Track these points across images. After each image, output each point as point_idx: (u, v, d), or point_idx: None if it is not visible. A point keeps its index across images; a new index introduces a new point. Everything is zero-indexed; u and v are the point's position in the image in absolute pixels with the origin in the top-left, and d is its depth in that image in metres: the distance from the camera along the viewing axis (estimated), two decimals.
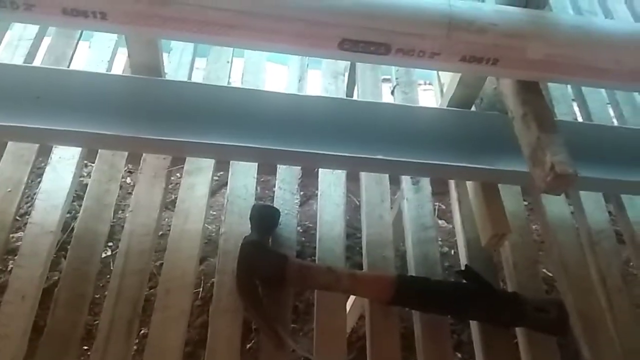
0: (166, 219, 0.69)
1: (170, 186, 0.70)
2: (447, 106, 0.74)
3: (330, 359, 0.60)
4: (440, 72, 0.84)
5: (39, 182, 0.67)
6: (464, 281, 0.65)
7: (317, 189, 0.73)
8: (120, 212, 0.68)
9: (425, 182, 0.76)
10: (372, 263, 0.68)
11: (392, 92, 0.86)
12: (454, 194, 0.76)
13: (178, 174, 0.73)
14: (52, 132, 0.63)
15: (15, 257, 0.61)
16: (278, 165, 0.74)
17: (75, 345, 0.57)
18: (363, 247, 0.70)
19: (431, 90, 1.11)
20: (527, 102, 0.57)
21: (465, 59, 0.53)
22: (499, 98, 0.72)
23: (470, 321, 0.66)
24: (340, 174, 0.75)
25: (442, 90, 0.84)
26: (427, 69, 0.58)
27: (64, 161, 0.69)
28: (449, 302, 0.62)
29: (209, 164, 0.72)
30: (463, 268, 0.68)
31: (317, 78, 0.87)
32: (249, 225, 0.67)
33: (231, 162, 0.73)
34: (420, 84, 0.90)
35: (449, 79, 0.79)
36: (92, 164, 0.70)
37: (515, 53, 0.52)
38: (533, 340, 0.64)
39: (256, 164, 0.73)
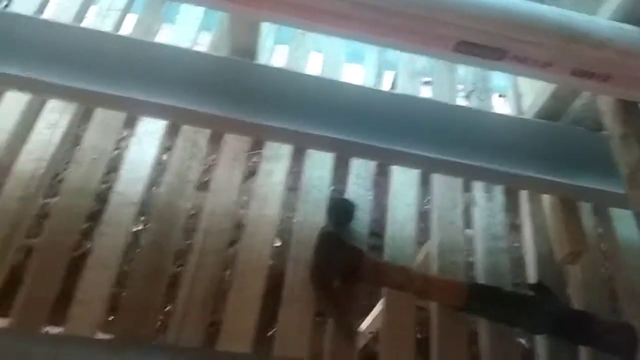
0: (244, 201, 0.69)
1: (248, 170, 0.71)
2: (533, 117, 0.73)
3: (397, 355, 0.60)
4: (519, 82, 0.83)
5: (122, 153, 0.68)
6: (534, 295, 0.64)
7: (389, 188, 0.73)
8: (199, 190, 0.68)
9: (498, 193, 0.76)
10: (442, 268, 0.68)
11: (467, 97, 0.85)
12: (525, 206, 0.76)
13: (255, 159, 0.73)
14: (140, 102, 0.64)
15: (98, 226, 0.62)
16: (353, 161, 0.74)
17: (153, 318, 0.58)
18: (432, 251, 0.70)
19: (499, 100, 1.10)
20: (628, 122, 0.57)
21: (576, 72, 0.52)
22: (588, 114, 0.71)
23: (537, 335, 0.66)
24: (413, 176, 0.74)
25: (518, 101, 0.83)
26: (534, 78, 0.57)
27: (149, 135, 0.70)
28: (520, 314, 0.62)
29: (286, 152, 0.72)
30: (534, 282, 0.67)
31: (393, 78, 0.86)
32: (323, 216, 0.67)
33: (307, 153, 0.73)
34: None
35: (531, 89, 0.79)
36: (174, 141, 0.71)
37: (629, 71, 0.52)
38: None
39: (331, 156, 0.73)
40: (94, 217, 0.66)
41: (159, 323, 0.62)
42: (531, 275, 0.70)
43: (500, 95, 1.31)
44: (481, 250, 0.70)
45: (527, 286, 0.66)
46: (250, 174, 0.71)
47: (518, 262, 0.75)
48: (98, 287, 0.58)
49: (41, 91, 0.66)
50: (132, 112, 0.69)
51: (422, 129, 0.71)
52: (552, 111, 0.71)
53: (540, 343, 0.65)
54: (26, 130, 0.66)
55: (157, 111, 0.66)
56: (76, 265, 0.60)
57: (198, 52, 0.71)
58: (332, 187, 0.71)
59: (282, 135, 0.69)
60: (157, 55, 0.68)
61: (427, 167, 0.73)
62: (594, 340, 0.62)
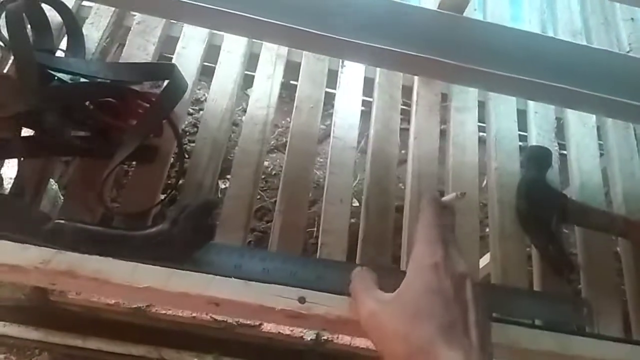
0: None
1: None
2: None
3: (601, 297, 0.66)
4: None
5: (332, 103, 0.74)
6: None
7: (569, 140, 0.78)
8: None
9: None
10: (628, 214, 0.72)
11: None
12: None
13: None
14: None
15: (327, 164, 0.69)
16: (532, 114, 0.79)
17: (390, 247, 0.64)
18: (616, 199, 0.75)
19: None
20: None
21: None
22: None
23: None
24: (592, 128, 0.79)
25: None
26: None
27: (351, 86, 0.75)
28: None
29: (474, 103, 0.77)
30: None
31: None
32: (518, 164, 0.72)
33: (491, 105, 0.78)
34: None
35: None
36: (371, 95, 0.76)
37: None
38: None
39: (515, 109, 0.78)
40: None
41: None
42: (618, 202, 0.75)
43: None
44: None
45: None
46: (443, 124, 0.76)
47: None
48: (339, 219, 0.64)
49: None
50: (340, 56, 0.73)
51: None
52: None
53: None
54: (248, 81, 0.73)
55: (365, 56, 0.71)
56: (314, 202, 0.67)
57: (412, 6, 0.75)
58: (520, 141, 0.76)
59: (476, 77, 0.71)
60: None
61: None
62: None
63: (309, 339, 1.30)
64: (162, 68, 0.64)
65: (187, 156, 0.65)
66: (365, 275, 0.49)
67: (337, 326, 0.53)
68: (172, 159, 0.65)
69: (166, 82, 0.61)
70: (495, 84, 0.67)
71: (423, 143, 0.73)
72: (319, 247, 0.62)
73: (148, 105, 0.62)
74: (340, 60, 0.77)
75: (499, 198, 0.70)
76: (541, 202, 0.67)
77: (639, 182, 0.75)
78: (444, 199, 0.50)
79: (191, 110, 1.32)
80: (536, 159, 0.71)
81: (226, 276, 0.52)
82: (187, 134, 0.94)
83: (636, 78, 0.65)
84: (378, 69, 0.78)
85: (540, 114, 0.79)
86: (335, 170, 0.68)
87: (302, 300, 0.53)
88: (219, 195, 1.11)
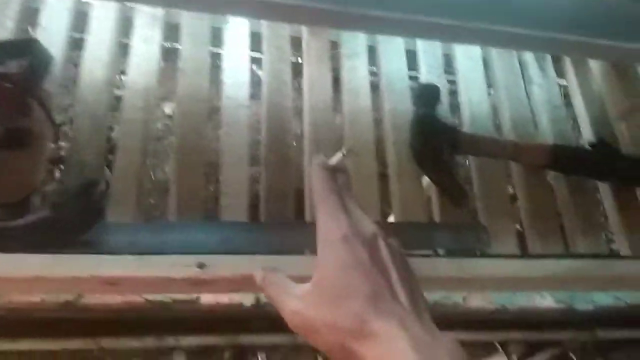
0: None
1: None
2: None
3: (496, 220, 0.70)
4: None
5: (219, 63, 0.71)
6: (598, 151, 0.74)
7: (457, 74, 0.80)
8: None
9: (549, 67, 0.84)
10: (519, 136, 0.76)
11: None
12: (572, 76, 0.85)
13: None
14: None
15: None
16: (420, 52, 0.80)
17: (292, 201, 0.64)
18: (505, 125, 0.79)
19: None
20: None
21: None
22: None
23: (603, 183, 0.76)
24: (478, 61, 0.81)
25: None
26: None
27: (237, 43, 0.73)
28: (596, 166, 0.72)
29: (363, 49, 0.77)
30: (594, 141, 0.77)
31: None
32: (408, 102, 0.74)
33: (379, 49, 0.78)
34: None
35: None
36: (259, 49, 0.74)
37: None
38: None
39: (402, 50, 0.79)
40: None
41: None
42: (587, 137, 0.81)
43: None
44: (546, 121, 0.79)
45: (591, 145, 0.76)
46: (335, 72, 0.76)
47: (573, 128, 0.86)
48: (238, 179, 0.63)
49: None
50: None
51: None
52: None
53: (607, 192, 0.76)
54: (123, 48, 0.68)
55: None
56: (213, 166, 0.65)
57: None
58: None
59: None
60: None
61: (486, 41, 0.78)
62: None
63: (248, 304, 1.30)
64: (20, 44, 0.59)
65: (61, 136, 0.60)
66: (272, 279, 0.44)
67: (247, 286, 0.53)
68: (52, 141, 0.61)
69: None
70: (381, 26, 0.67)
71: (316, 93, 0.72)
72: (219, 210, 0.61)
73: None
74: (224, 17, 0.74)
75: (394, 139, 0.71)
76: (432, 137, 0.69)
77: (525, 106, 0.80)
78: (330, 161, 0.49)
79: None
80: (425, 97, 0.73)
81: (120, 254, 0.50)
82: (65, 111, 0.88)
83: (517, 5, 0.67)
84: (264, 22, 0.76)
85: (428, 52, 0.80)
86: (229, 130, 0.66)
87: (201, 265, 0.52)
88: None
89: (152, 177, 0.91)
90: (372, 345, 0.34)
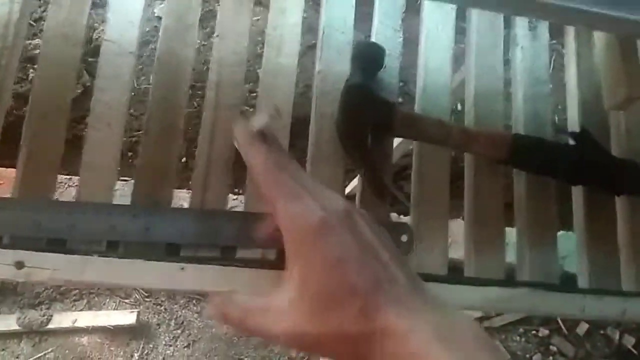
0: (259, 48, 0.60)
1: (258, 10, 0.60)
2: None
3: (431, 210, 0.58)
4: None
5: None
6: (576, 143, 0.60)
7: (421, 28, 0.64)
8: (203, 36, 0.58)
9: (543, 28, 0.67)
10: (479, 117, 0.62)
11: None
12: (572, 44, 0.67)
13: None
14: None
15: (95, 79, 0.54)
16: None
17: (172, 177, 0.53)
18: (468, 99, 0.63)
19: None
20: None
21: None
22: None
23: (574, 187, 0.63)
24: (450, 11, 0.64)
25: None
26: None
27: None
28: (563, 165, 0.58)
29: None
30: (577, 130, 0.62)
31: None
32: (348, 64, 0.59)
33: None
34: None
35: None
36: None
37: None
38: (634, 208, 0.62)
39: None
40: (88, 69, 0.57)
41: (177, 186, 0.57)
42: (573, 121, 0.65)
43: None
44: (522, 97, 0.64)
45: (569, 134, 0.61)
46: (261, 13, 0.61)
47: (561, 108, 0.70)
48: (107, 149, 0.52)
49: None
50: None
51: None
52: None
53: (578, 195, 0.62)
54: None
55: None
56: (77, 126, 0.54)
57: None
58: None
59: None
60: None
61: (463, 1, 0.63)
62: (638, 190, 0.59)
63: None
64: None
65: None
66: (236, 309, 0.35)
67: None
68: None
69: None
70: None
71: (228, 43, 0.58)
72: (77, 186, 0.51)
73: None
74: None
75: (319, 110, 0.58)
76: (359, 112, 0.55)
77: (498, 77, 0.64)
78: (256, 124, 0.37)
79: None
80: (362, 59, 0.58)
81: None
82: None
83: None
84: None
85: None
86: (104, 84, 0.54)
87: (19, 265, 0.43)
88: None
89: None
90: (388, 344, 0.29)
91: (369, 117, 0.55)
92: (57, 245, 0.47)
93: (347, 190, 1.00)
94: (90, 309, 1.41)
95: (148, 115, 0.54)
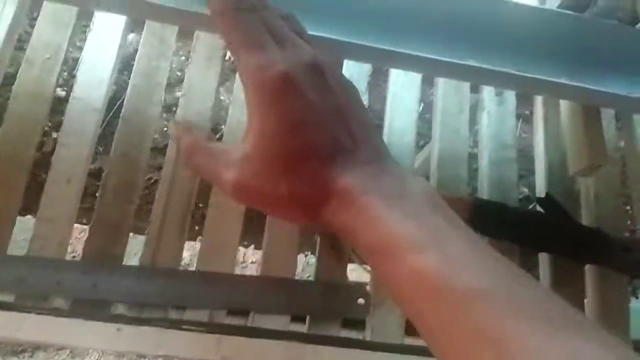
0: (222, 106, 0.61)
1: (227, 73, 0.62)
2: (555, 7, 0.62)
3: None
4: None
5: (80, 50, 0.59)
6: (542, 210, 0.59)
7: (386, 92, 0.65)
8: (168, 94, 0.60)
9: (510, 94, 0.67)
10: (442, 180, 0.62)
11: None
12: (539, 110, 0.68)
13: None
14: None
15: (58, 134, 0.56)
16: (345, 61, 0.65)
17: (126, 234, 0.53)
18: (432, 163, 0.64)
19: None
20: None
21: None
22: (621, 3, 0.60)
23: (540, 254, 0.61)
24: (415, 76, 0.66)
25: None
26: None
27: (108, 29, 0.60)
28: (526, 231, 0.57)
29: None
30: (542, 195, 0.61)
31: None
32: None
33: None
34: None
35: None
36: (137, 34, 0.62)
37: None
38: (603, 277, 0.60)
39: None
40: (53, 125, 0.59)
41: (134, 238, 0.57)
42: (540, 187, 0.65)
43: None
44: (487, 161, 0.64)
45: (535, 199, 0.60)
46: (228, 76, 0.62)
47: (526, 173, 0.69)
48: (63, 203, 0.53)
49: None
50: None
51: (424, 23, 0.60)
52: (578, 0, 0.60)
53: (544, 262, 0.61)
54: None
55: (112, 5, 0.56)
56: (36, 181, 0.54)
57: None
58: None
59: None
60: None
61: (431, 71, 0.64)
62: (608, 258, 0.58)
63: None
64: None
65: None
66: (193, 143, 0.35)
67: None
68: None
69: None
70: None
71: (193, 101, 0.59)
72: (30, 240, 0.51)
73: None
74: None
75: None
76: None
77: (463, 140, 0.64)
78: None
79: None
80: None
81: None
82: None
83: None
84: None
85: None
86: (67, 140, 0.55)
87: None
88: None
89: None
90: (339, 209, 0.29)
91: None
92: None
93: None
94: (73, 358, 1.39)
95: (107, 170, 0.55)
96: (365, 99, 0.63)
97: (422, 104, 0.64)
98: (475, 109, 0.67)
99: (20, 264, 0.49)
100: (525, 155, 0.70)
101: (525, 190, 0.75)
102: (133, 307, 0.49)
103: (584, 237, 0.57)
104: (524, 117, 0.68)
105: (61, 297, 0.49)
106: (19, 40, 0.60)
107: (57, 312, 0.45)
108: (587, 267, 0.60)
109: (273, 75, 0.29)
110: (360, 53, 0.52)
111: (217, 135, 0.57)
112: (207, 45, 0.62)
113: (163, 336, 0.45)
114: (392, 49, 0.50)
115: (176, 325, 0.46)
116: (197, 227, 0.53)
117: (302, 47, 0.32)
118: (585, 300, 0.59)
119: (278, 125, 0.29)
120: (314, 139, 0.29)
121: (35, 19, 0.59)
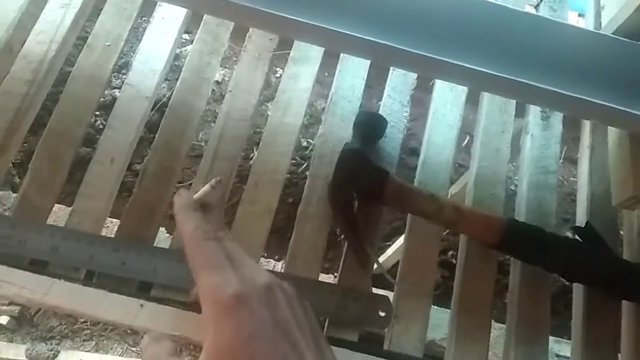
0: (264, 107, 0.63)
1: (274, 73, 0.64)
2: (611, 33, 0.61)
3: (415, 287, 0.55)
4: None
5: (138, 41, 0.62)
6: (580, 239, 0.57)
7: (429, 107, 0.65)
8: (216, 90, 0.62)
9: (556, 120, 0.66)
10: (478, 199, 0.61)
11: (537, 7, 0.73)
12: (586, 138, 0.66)
13: (280, 68, 0.66)
14: None
15: (107, 117, 0.58)
16: (390, 71, 0.66)
17: (159, 218, 0.54)
18: (470, 179, 0.63)
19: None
20: None
21: None
22: None
23: (575, 285, 0.59)
24: (460, 93, 0.65)
25: (598, 15, 0.70)
26: None
27: (166, 24, 0.63)
28: (562, 259, 0.55)
29: (317, 54, 0.65)
30: (583, 224, 0.59)
31: None
32: (350, 131, 0.61)
33: (340, 59, 0.65)
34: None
35: (614, 1, 0.65)
36: (194, 32, 0.64)
37: None
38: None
39: (367, 65, 0.65)
40: (105, 108, 0.62)
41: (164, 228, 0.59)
42: (581, 217, 0.62)
43: (579, 15, 1.14)
44: (527, 184, 0.62)
45: (574, 228, 0.58)
46: (275, 77, 0.64)
47: (568, 201, 0.67)
48: (104, 182, 0.55)
49: None
50: None
51: (476, 37, 0.60)
52: (635, 27, 0.59)
53: (578, 294, 0.58)
54: (37, 9, 0.61)
55: None
56: (82, 158, 0.57)
57: None
58: (362, 100, 0.63)
59: (310, 34, 0.60)
60: None
61: (477, 84, 0.63)
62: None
63: None
64: None
65: None
66: (156, 351, 0.37)
67: None
68: None
69: None
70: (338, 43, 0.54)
71: (238, 98, 0.61)
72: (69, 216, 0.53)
73: None
74: None
75: (314, 170, 0.59)
76: (348, 177, 0.55)
77: (503, 161, 0.63)
78: (196, 196, 0.39)
79: None
80: (363, 127, 0.59)
81: None
82: None
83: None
84: None
85: (400, 70, 0.66)
86: (116, 123, 0.58)
87: None
88: None
89: None
90: None
91: (359, 182, 0.55)
92: (39, 266, 0.49)
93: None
94: (97, 351, 1.42)
95: (150, 155, 0.57)
96: (406, 112, 0.64)
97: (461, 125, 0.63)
98: (519, 133, 0.66)
99: (57, 233, 0.51)
100: (569, 182, 0.68)
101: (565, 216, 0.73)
102: (158, 287, 0.50)
103: (621, 271, 0.55)
104: (569, 144, 0.66)
105: (91, 269, 0.50)
106: (83, 28, 0.64)
107: (85, 282, 0.47)
108: (624, 302, 0.57)
109: (228, 294, 0.31)
110: (406, 60, 0.53)
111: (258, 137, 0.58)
112: (258, 46, 0.64)
113: (182, 318, 0.46)
114: (440, 57, 0.50)
115: (196, 309, 0.46)
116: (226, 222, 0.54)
117: (258, 270, 0.34)
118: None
119: (230, 341, 0.31)
120: (263, 353, 0.30)
121: (101, 10, 0.63)
